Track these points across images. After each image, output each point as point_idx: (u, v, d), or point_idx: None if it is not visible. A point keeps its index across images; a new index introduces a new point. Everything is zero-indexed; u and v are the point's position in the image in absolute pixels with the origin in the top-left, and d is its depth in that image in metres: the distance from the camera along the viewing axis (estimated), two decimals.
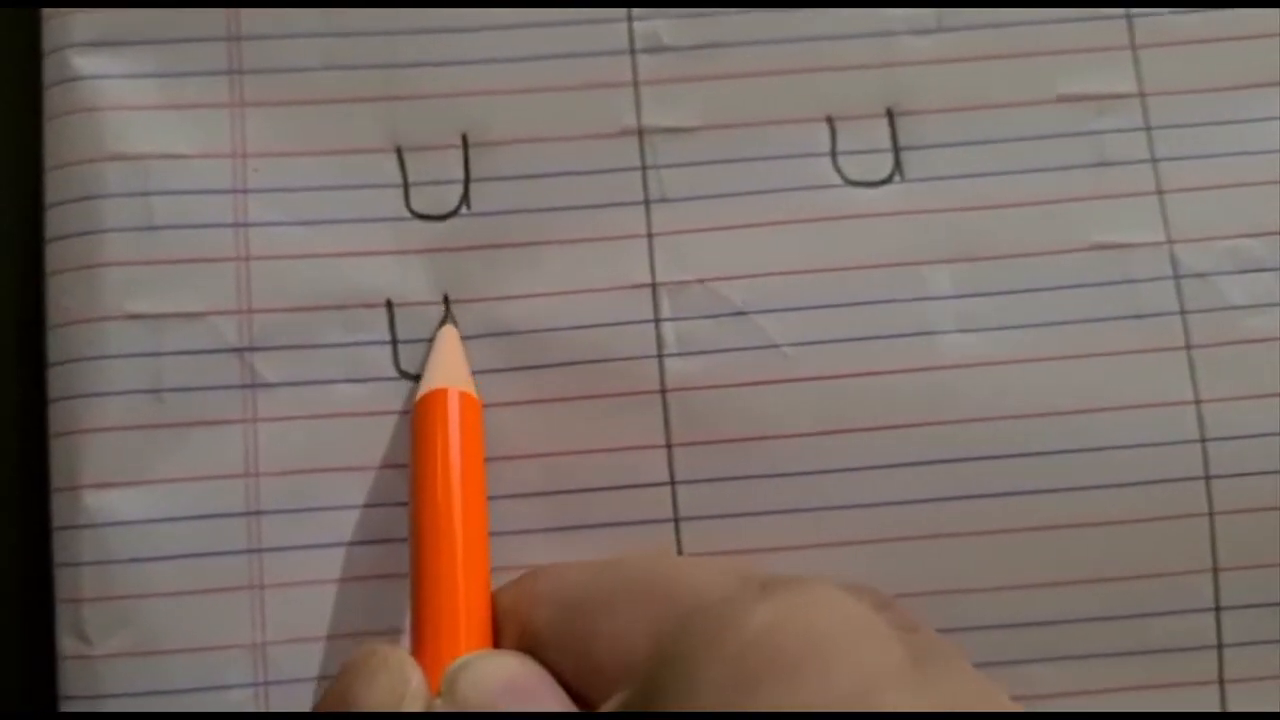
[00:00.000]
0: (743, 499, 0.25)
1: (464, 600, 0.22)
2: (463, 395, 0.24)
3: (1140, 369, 0.25)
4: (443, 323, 0.25)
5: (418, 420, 0.24)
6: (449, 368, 0.24)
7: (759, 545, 0.25)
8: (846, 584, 0.18)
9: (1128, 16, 0.27)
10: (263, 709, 0.24)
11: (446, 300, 0.25)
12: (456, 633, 0.21)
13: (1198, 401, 0.25)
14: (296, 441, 0.25)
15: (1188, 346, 0.25)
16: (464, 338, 0.25)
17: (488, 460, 0.24)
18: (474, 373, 0.25)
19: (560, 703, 0.20)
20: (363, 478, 0.25)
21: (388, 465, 0.25)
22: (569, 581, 0.21)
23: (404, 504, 0.24)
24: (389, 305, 0.25)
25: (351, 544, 0.24)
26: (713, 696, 0.15)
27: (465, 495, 0.23)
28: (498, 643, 0.22)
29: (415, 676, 0.20)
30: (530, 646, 0.21)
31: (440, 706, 0.20)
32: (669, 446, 0.25)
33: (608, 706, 0.19)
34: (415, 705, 0.20)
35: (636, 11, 0.27)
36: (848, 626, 0.16)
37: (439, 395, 0.24)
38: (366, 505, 0.25)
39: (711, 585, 0.19)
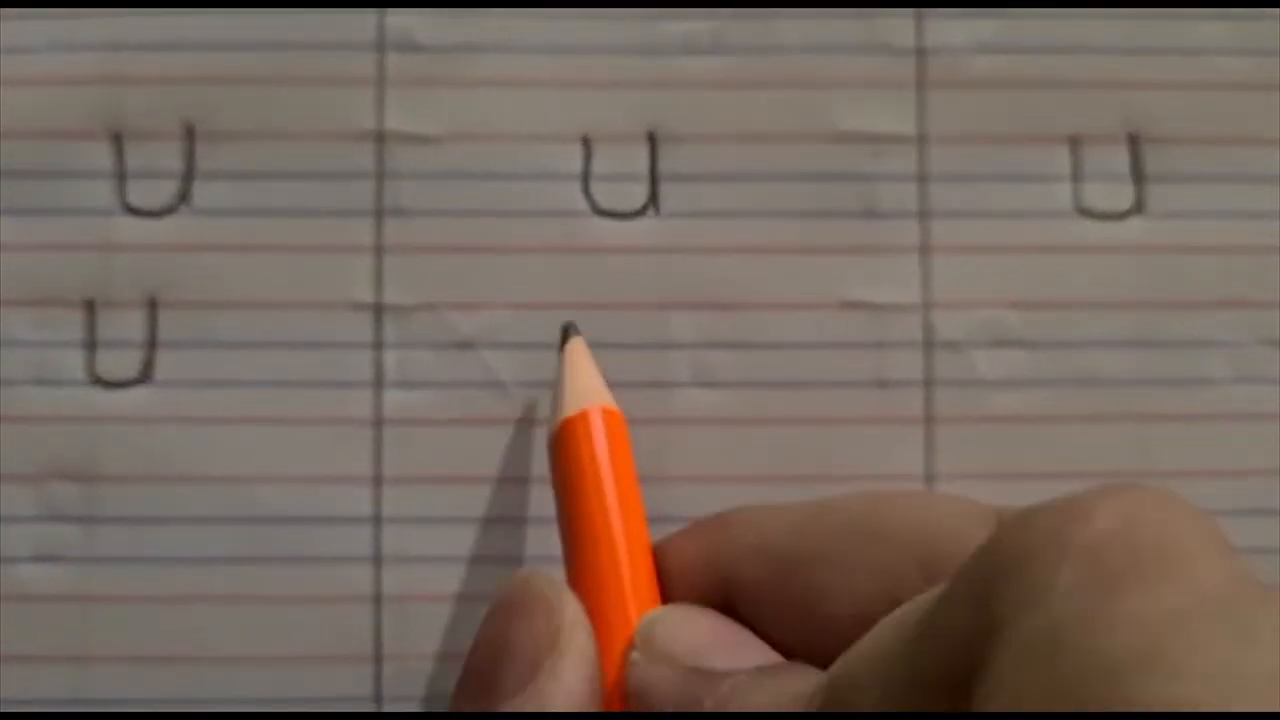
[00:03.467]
0: (452, 541, 0.24)
1: (627, 560, 0.21)
2: (606, 412, 0.22)
3: (874, 439, 0.24)
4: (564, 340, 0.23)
5: (563, 443, 0.22)
6: (584, 384, 0.23)
7: (463, 592, 0.24)
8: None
9: (919, 51, 0.25)
10: None
11: (568, 324, 0.24)
12: (623, 595, 0.20)
13: (929, 477, 0.24)
14: None
15: (926, 420, 0.24)
16: (163, 343, 0.24)
17: (174, 481, 0.24)
18: (173, 384, 0.24)
19: (765, 657, 0.19)
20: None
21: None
22: (775, 533, 0.20)
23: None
24: (88, 305, 0.24)
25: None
26: (1073, 601, 0.14)
27: (624, 512, 0.21)
28: (676, 597, 0.21)
29: (571, 606, 0.19)
30: (731, 604, 0.20)
31: (639, 662, 0.19)
32: (377, 481, 0.24)
33: (874, 646, 0.17)
34: (577, 637, 0.19)
35: (390, 5, 0.24)
36: (1200, 531, 0.14)
37: (582, 418, 0.22)
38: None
39: (944, 520, 0.18)
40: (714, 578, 0.21)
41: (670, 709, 0.19)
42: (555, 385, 0.23)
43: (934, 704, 0.15)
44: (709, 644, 0.19)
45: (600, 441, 0.22)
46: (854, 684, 0.16)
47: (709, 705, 0.18)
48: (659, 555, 0.21)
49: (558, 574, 0.21)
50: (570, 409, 0.22)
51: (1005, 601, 0.14)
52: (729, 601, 0.20)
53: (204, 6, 0.24)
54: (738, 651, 0.19)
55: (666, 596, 0.21)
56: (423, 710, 0.24)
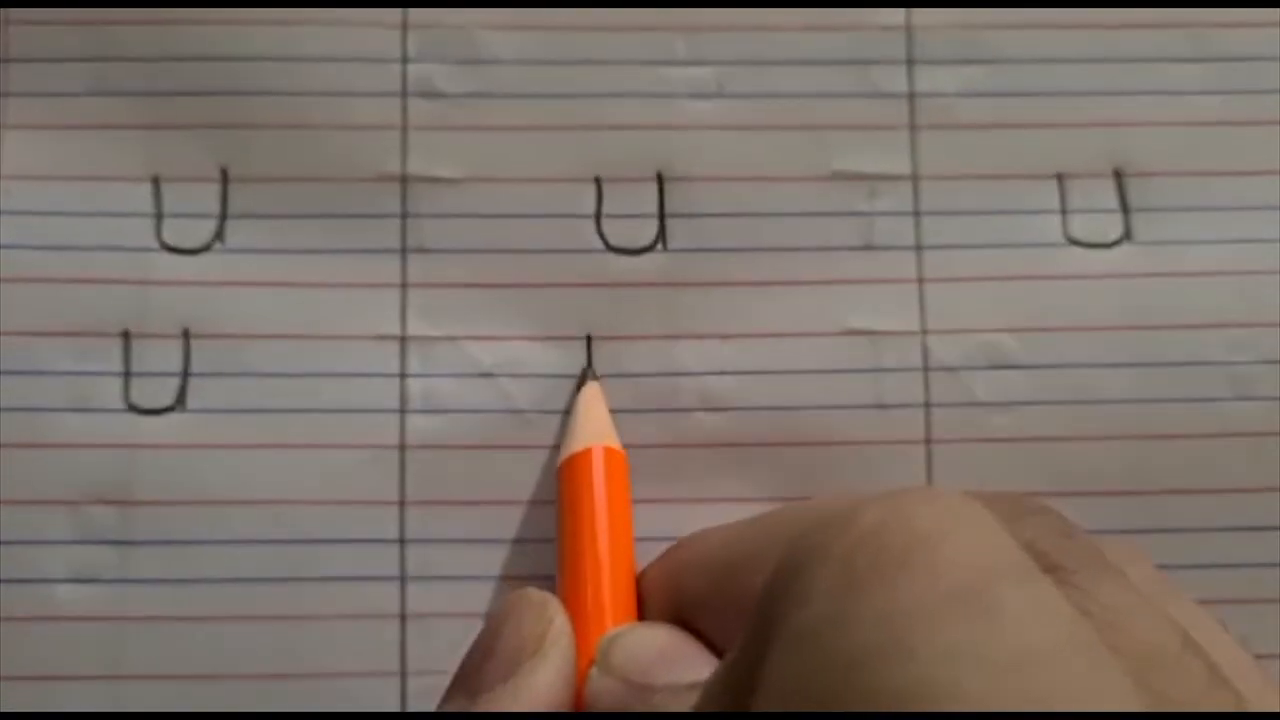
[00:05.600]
0: (472, 561, 0.25)
1: (609, 580, 0.22)
2: (608, 450, 0.24)
3: (875, 460, 0.25)
4: (581, 383, 0.25)
5: (567, 476, 0.24)
6: (592, 425, 0.24)
7: (486, 610, 0.25)
8: (990, 492, 0.17)
9: (910, 96, 0.26)
10: None
11: (586, 369, 0.25)
12: (603, 611, 0.22)
13: None
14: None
15: (927, 441, 0.25)
16: (196, 372, 0.25)
17: (207, 504, 0.25)
18: (206, 411, 0.25)
19: (711, 666, 0.20)
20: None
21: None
22: (713, 545, 0.21)
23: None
24: (125, 336, 0.25)
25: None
26: (824, 603, 0.14)
27: (613, 539, 0.23)
28: (646, 618, 0.22)
29: (559, 615, 0.21)
30: (683, 617, 0.21)
31: (595, 677, 0.21)
32: (402, 504, 0.25)
33: (726, 657, 0.18)
34: (558, 641, 0.20)
35: (412, 54, 0.26)
36: (953, 519, 0.15)
37: (584, 455, 0.24)
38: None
39: (828, 511, 0.19)
40: (671, 596, 0.22)
41: None
42: (568, 423, 0.24)
43: (743, 705, 0.16)
44: (656, 660, 0.21)
45: (599, 477, 0.23)
46: (707, 693, 0.17)
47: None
48: (639, 580, 0.23)
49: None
50: (576, 446, 0.24)
51: (779, 607, 0.15)
52: (683, 616, 0.22)
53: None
54: (682, 666, 0.20)
55: (643, 617, 0.23)
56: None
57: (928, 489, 0.16)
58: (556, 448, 0.25)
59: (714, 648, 0.21)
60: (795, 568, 0.15)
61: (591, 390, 0.25)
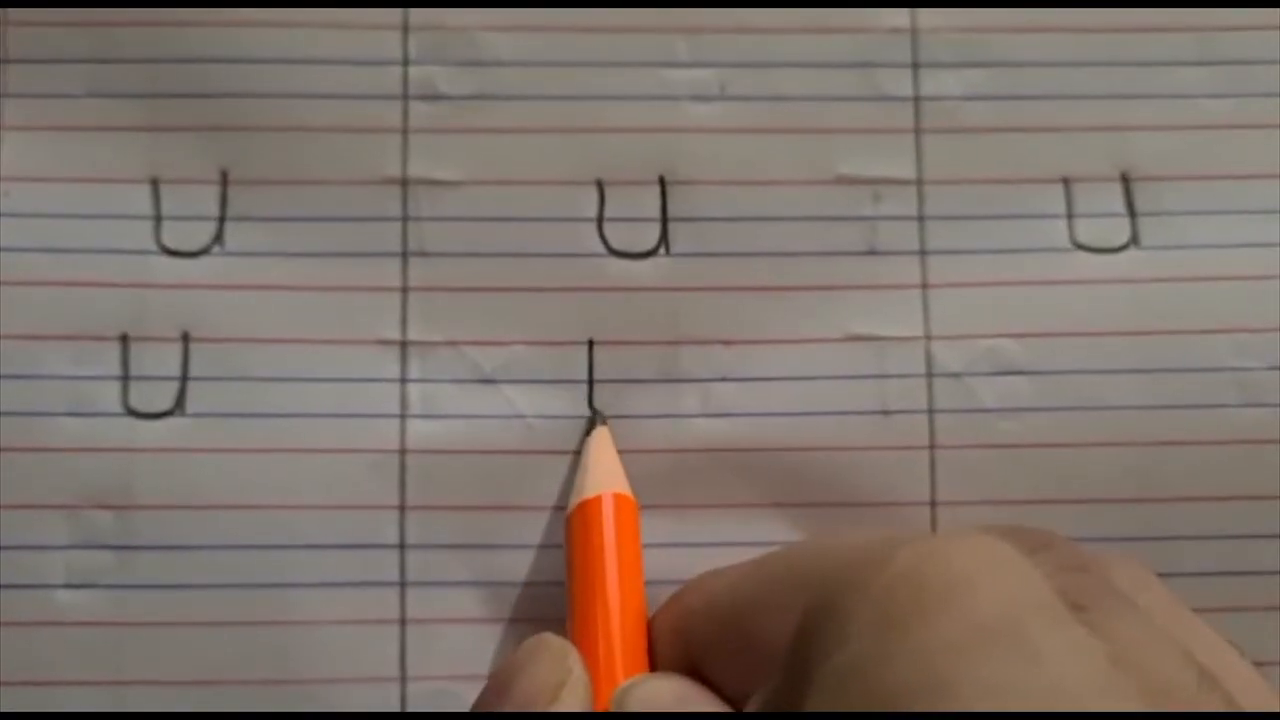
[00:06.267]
0: (472, 567, 0.25)
1: (619, 629, 0.22)
2: (618, 497, 0.24)
3: (883, 465, 0.25)
4: (590, 428, 0.25)
5: (577, 523, 0.24)
6: (602, 471, 0.24)
7: (486, 615, 0.25)
8: (1002, 526, 0.18)
9: (915, 99, 0.26)
10: None
11: (594, 413, 0.25)
12: (614, 660, 0.22)
13: (933, 503, 0.25)
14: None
15: (931, 447, 0.25)
16: (195, 376, 0.25)
17: (206, 509, 0.25)
18: (205, 415, 0.25)
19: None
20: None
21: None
22: (717, 591, 0.21)
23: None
24: (123, 340, 0.25)
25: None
26: (864, 640, 0.15)
27: (623, 587, 0.23)
28: (656, 667, 0.22)
29: (577, 665, 0.21)
30: (692, 665, 0.21)
31: None
32: (402, 509, 0.25)
33: (755, 698, 0.18)
34: (576, 692, 0.20)
35: (413, 56, 0.26)
36: (989, 560, 0.15)
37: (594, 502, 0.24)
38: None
39: (856, 552, 0.19)
40: (679, 645, 0.22)
41: None
42: (577, 469, 0.25)
43: None
44: (676, 706, 0.21)
45: (609, 524, 0.23)
46: None
47: None
48: (649, 628, 0.23)
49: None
50: (586, 493, 0.24)
51: (817, 647, 0.16)
52: (692, 664, 0.22)
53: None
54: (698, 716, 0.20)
55: (654, 666, 0.23)
56: None
57: (959, 530, 0.16)
58: (556, 453, 0.25)
59: (724, 695, 0.21)
60: (830, 607, 0.16)
61: (601, 435, 0.25)
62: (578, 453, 0.25)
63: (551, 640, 0.21)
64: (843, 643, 0.15)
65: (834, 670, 0.15)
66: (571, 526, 0.24)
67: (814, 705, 0.15)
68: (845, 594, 0.16)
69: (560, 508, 0.25)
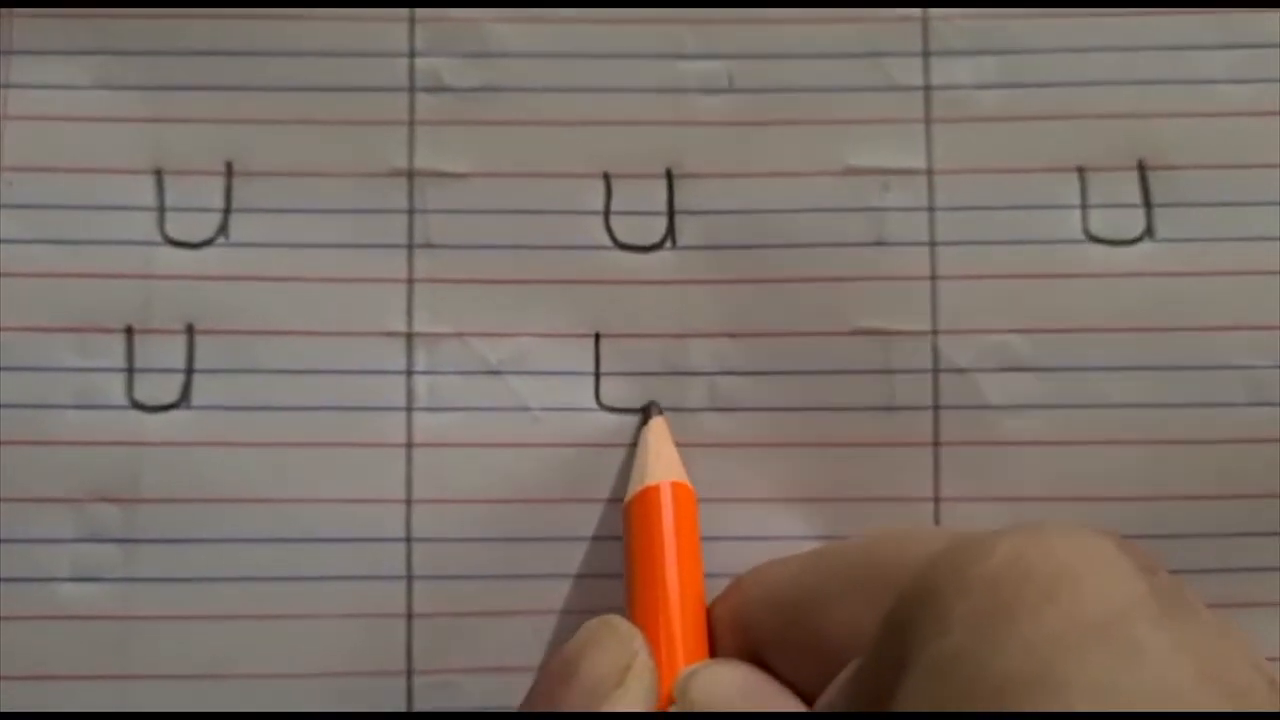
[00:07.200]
0: (479, 560, 0.25)
1: (679, 616, 0.22)
2: (676, 486, 0.24)
3: (886, 462, 0.25)
4: (645, 419, 0.25)
5: (635, 512, 0.24)
6: (661, 460, 0.24)
7: (491, 609, 0.25)
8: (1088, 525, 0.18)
9: (925, 88, 0.26)
10: None
11: (651, 403, 0.25)
12: (674, 647, 0.22)
13: (937, 499, 0.25)
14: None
15: (935, 443, 0.25)
16: (201, 369, 0.25)
17: (211, 502, 0.25)
18: (210, 408, 0.25)
19: (791, 704, 0.20)
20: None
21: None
22: (778, 581, 0.21)
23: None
24: (128, 332, 0.25)
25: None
26: (969, 631, 0.15)
27: (682, 574, 0.23)
28: (720, 654, 0.22)
29: (643, 649, 0.20)
30: (752, 653, 0.21)
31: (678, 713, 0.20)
32: (409, 502, 0.25)
33: (831, 689, 0.18)
34: (642, 676, 0.20)
35: (420, 48, 0.26)
36: (1092, 554, 0.15)
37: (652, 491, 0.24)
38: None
39: (929, 551, 0.19)
40: (740, 635, 0.22)
41: None
42: (635, 458, 0.24)
43: None
44: (737, 696, 0.21)
45: (668, 513, 0.23)
46: None
47: None
48: (709, 616, 0.23)
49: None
50: (645, 481, 0.24)
51: (914, 634, 0.16)
52: (755, 654, 0.22)
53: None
54: (763, 701, 0.20)
55: (713, 653, 0.23)
56: None
57: (1055, 522, 0.16)
58: (563, 445, 0.25)
59: (785, 683, 0.21)
60: (928, 596, 0.16)
61: (658, 425, 0.25)
62: (633, 445, 0.25)
63: (618, 623, 0.21)
64: (943, 631, 0.15)
65: (934, 658, 0.15)
66: (630, 515, 0.24)
67: (911, 692, 0.15)
68: (945, 581, 0.16)
69: (567, 500, 0.25)
